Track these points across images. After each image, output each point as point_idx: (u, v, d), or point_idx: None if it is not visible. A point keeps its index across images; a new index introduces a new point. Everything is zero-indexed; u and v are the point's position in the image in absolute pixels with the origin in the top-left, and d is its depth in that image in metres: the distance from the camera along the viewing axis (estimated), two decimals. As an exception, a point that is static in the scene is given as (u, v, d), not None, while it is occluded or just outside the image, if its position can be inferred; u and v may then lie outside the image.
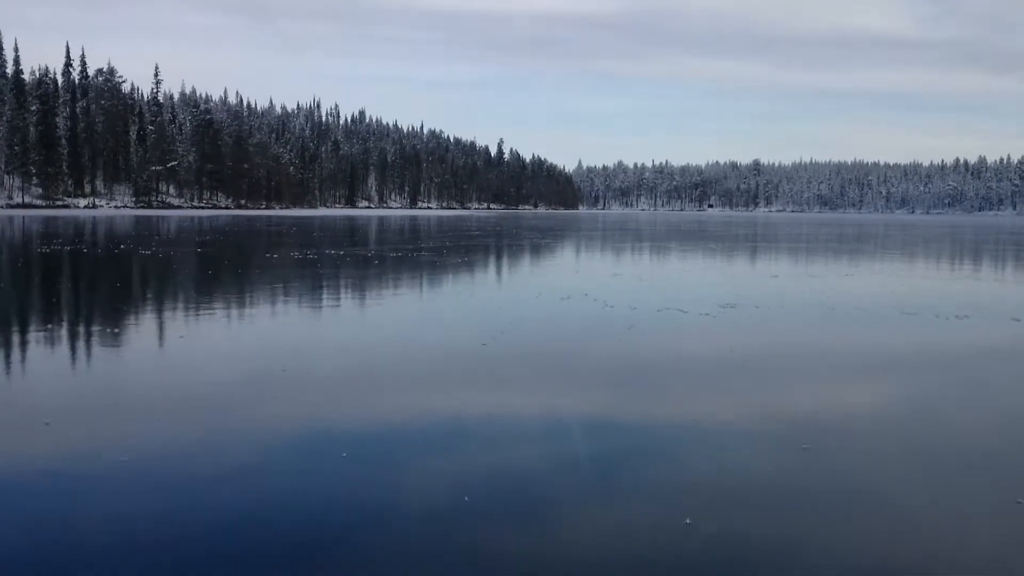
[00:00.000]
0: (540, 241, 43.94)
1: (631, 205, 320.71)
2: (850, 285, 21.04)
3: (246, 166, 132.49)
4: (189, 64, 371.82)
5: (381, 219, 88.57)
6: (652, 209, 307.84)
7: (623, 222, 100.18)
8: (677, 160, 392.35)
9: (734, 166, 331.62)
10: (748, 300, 16.44)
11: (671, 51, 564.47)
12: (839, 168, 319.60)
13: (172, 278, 20.56)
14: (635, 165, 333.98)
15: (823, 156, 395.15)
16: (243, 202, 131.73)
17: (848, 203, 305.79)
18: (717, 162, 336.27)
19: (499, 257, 31.22)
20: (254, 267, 23.97)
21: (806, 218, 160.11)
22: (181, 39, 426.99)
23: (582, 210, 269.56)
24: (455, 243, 38.29)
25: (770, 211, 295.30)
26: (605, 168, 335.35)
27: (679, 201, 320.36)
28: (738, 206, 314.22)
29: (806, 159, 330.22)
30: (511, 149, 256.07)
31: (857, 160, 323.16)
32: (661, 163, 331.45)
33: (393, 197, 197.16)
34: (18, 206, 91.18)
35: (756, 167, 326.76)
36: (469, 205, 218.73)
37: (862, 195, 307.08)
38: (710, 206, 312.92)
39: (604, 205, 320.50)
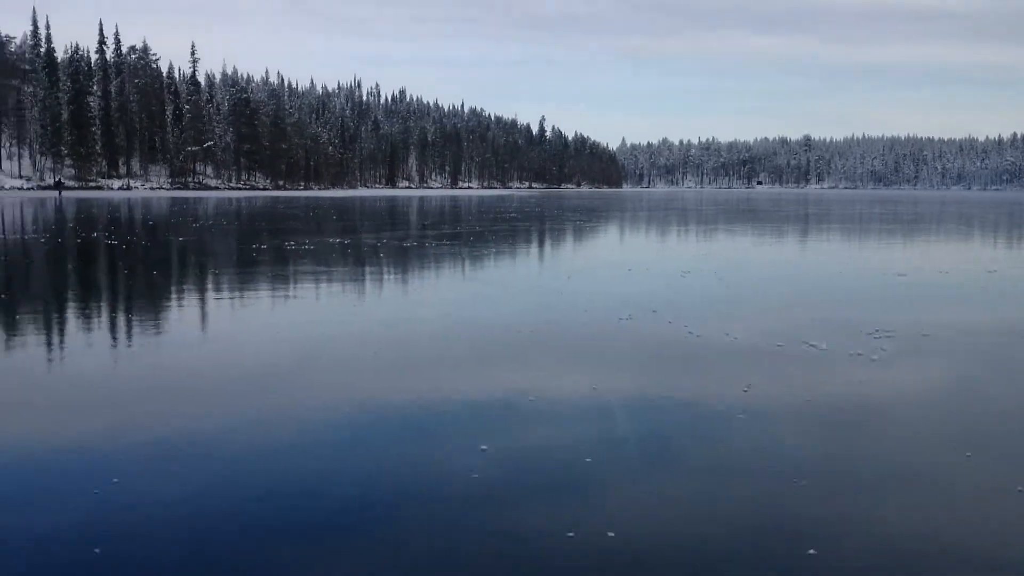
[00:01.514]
0: (585, 224, 39.80)
1: (676, 183, 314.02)
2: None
3: (284, 146, 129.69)
4: (229, 45, 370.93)
5: (421, 200, 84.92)
6: (698, 187, 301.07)
7: (671, 200, 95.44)
8: (724, 136, 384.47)
9: (784, 142, 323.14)
10: (905, 323, 10.87)
11: (714, 27, 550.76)
12: (892, 143, 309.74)
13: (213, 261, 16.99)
14: (680, 142, 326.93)
15: (875, 131, 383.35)
16: (281, 183, 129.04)
17: (903, 179, 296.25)
18: (766, 138, 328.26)
19: (540, 244, 26.75)
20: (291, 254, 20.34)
21: (864, 195, 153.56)
22: (220, 19, 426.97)
23: (626, 188, 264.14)
24: (489, 228, 34.27)
25: (822, 188, 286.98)
26: (650, 145, 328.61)
27: (726, 178, 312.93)
28: (788, 183, 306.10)
29: (858, 135, 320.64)
30: (553, 127, 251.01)
31: (911, 135, 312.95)
32: (707, 140, 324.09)
33: (434, 177, 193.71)
34: (50, 187, 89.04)
35: (807, 143, 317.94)
36: (510, 184, 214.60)
37: (917, 171, 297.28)
38: (759, 183, 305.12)
39: (649, 183, 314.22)
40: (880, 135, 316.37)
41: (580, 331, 10.32)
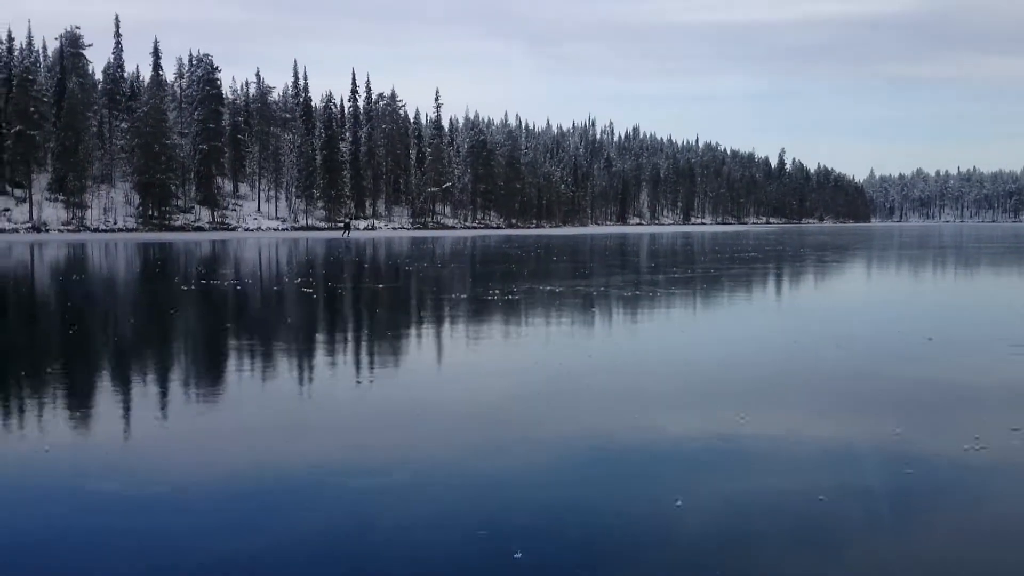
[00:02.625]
0: (839, 267, 35.21)
1: (932, 217, 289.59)
2: None
3: (518, 185, 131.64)
4: (472, 91, 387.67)
5: (652, 237, 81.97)
6: (958, 220, 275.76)
7: (934, 237, 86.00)
8: (986, 167, 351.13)
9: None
10: None
11: (963, 51, 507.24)
12: None
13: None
14: (937, 173, 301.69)
15: None
16: (514, 221, 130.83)
17: None
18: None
19: (778, 297, 23.02)
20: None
21: None
22: (464, 67, 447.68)
23: (875, 223, 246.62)
24: (726, 270, 30.72)
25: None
26: (901, 177, 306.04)
27: (990, 211, 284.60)
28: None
29: None
30: (793, 159, 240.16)
31: None
32: (968, 170, 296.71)
33: (665, 213, 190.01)
34: (301, 228, 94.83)
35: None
36: (746, 220, 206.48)
37: None
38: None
39: (901, 217, 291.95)
40: None
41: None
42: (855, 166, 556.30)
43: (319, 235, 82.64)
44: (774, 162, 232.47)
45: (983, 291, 25.03)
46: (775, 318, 17.64)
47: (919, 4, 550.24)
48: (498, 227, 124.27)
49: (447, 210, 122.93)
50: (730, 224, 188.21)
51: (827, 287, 26.56)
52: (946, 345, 13.03)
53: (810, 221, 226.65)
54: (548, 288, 21.85)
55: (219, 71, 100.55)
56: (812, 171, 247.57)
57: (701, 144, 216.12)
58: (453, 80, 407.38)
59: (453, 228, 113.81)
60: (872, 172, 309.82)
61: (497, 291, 20.90)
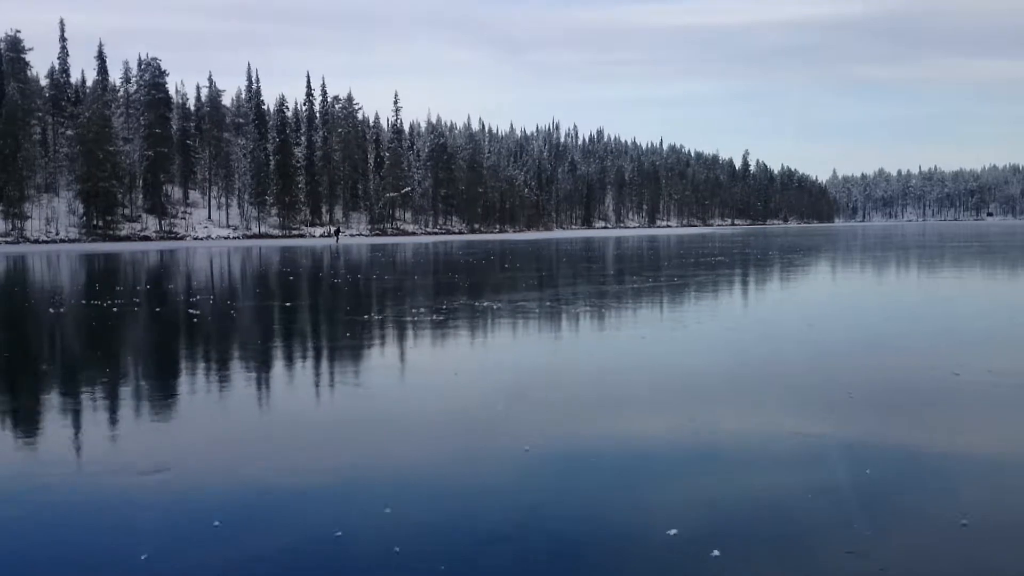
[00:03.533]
0: (808, 271, 33.24)
1: (895, 216, 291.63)
2: None
3: (480, 190, 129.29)
4: (440, 99, 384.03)
5: (618, 242, 79.97)
6: (920, 219, 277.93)
7: (901, 236, 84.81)
8: (947, 166, 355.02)
9: (1015, 170, 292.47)
10: None
11: (929, 53, 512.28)
12: None
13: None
14: (899, 172, 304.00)
15: None
16: (477, 226, 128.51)
17: None
18: (995, 166, 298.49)
19: (751, 303, 21.04)
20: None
21: None
22: (429, 74, 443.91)
23: (838, 223, 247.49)
24: (692, 276, 28.56)
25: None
26: (864, 177, 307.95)
27: (951, 210, 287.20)
28: (1022, 214, 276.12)
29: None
30: (757, 161, 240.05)
31: None
32: (929, 169, 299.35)
33: (631, 216, 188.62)
34: (254, 236, 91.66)
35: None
36: (711, 221, 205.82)
37: None
38: (989, 214, 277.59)
39: (864, 216, 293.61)
40: None
41: None
42: (818, 167, 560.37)
43: (273, 243, 79.62)
44: (738, 164, 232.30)
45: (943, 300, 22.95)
46: (739, 343, 15.27)
47: (885, 7, 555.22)
48: (460, 233, 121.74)
49: (408, 216, 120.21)
50: (695, 226, 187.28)
51: (797, 299, 24.46)
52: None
53: (775, 222, 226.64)
54: (485, 304, 19.32)
55: (167, 75, 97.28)
56: (776, 172, 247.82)
57: (665, 146, 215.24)
58: (418, 87, 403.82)
59: (414, 234, 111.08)
60: (835, 173, 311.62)
61: (423, 309, 18.32)
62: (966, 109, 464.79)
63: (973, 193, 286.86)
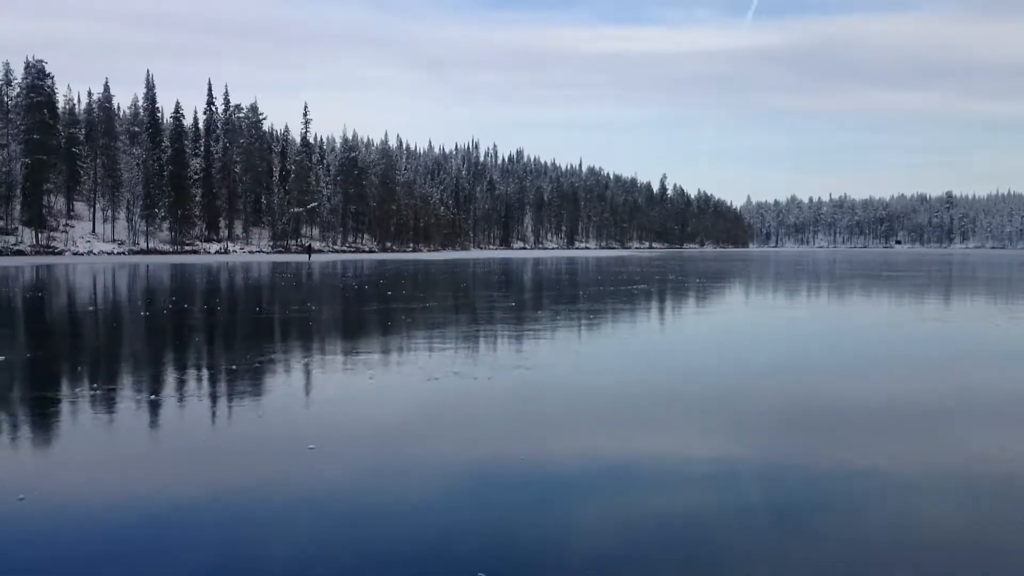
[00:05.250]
0: (725, 296, 30.05)
1: (807, 242, 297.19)
2: None
3: (393, 207, 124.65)
4: (355, 114, 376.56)
5: (536, 263, 76.44)
6: (831, 246, 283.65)
7: (812, 262, 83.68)
8: (857, 194, 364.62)
9: (923, 199, 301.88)
10: None
11: (842, 85, 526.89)
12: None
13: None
14: (811, 199, 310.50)
15: (1022, 188, 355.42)
16: (389, 244, 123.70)
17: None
18: (903, 195, 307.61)
19: (671, 332, 17.43)
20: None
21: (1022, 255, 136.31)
22: (353, 91, 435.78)
23: (752, 248, 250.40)
24: (610, 301, 24.91)
25: (967, 248, 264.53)
26: (777, 203, 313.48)
27: (861, 237, 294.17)
28: (929, 242, 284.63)
29: (1003, 191, 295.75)
30: (675, 185, 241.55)
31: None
32: (840, 197, 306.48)
33: (549, 237, 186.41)
34: (142, 252, 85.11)
35: (949, 200, 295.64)
36: (629, 244, 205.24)
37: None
38: (897, 242, 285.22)
39: (777, 242, 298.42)
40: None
41: None
42: (733, 192, 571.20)
43: (162, 260, 73.49)
44: (656, 187, 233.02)
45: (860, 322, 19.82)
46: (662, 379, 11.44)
47: (802, 39, 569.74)
48: (371, 251, 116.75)
49: (315, 232, 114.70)
50: (614, 248, 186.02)
51: (719, 329, 20.98)
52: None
53: (691, 246, 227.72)
54: (328, 356, 15.06)
55: (51, 77, 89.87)
56: (692, 196, 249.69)
57: (585, 168, 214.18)
58: (337, 102, 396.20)
59: (320, 252, 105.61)
60: (749, 199, 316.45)
61: (248, 356, 13.94)
62: (876, 139, 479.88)
63: (882, 221, 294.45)
